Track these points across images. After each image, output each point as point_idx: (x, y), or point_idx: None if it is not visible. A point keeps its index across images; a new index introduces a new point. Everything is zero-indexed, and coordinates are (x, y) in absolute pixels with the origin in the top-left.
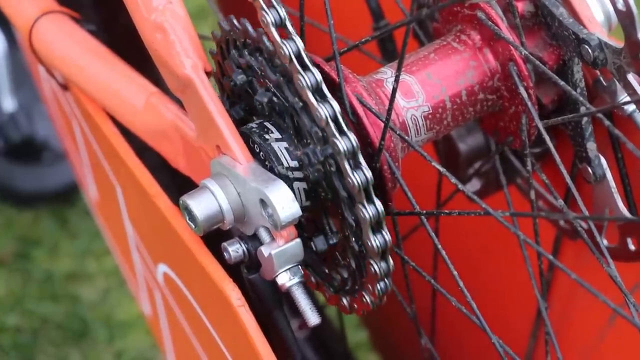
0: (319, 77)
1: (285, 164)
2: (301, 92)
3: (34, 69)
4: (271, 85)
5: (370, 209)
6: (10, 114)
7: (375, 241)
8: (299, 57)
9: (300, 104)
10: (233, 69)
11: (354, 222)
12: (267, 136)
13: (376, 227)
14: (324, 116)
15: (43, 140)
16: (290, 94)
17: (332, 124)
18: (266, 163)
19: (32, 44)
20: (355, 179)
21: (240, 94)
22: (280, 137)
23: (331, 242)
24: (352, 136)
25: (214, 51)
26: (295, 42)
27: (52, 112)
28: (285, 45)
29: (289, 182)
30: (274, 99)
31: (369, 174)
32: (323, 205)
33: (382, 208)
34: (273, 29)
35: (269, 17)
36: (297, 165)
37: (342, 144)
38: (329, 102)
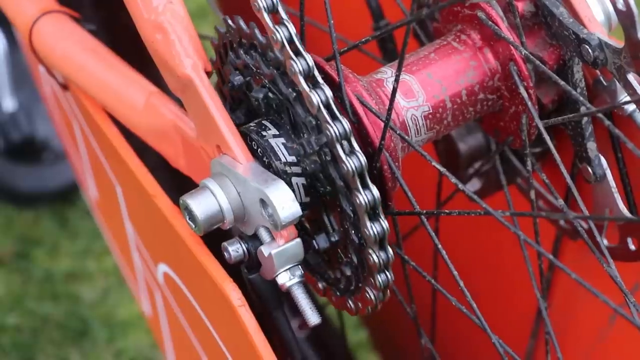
0: (311, 62)
1: (283, 159)
2: (293, 78)
3: (34, 69)
4: (266, 80)
5: (367, 195)
6: (11, 113)
7: (372, 229)
8: (291, 42)
9: (294, 94)
10: (231, 71)
11: (352, 212)
12: (264, 133)
13: (373, 215)
14: (315, 102)
15: (43, 140)
16: (284, 86)
17: (324, 110)
18: (264, 159)
19: (32, 44)
20: (350, 164)
21: (239, 96)
22: (277, 133)
23: (333, 239)
24: (345, 121)
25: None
26: (287, 27)
27: (52, 112)
28: (277, 31)
29: (287, 177)
30: (270, 94)
31: (363, 158)
32: (322, 200)
33: (378, 193)
34: (265, 14)
35: (262, 2)
36: (295, 160)
37: (334, 129)
38: (321, 87)
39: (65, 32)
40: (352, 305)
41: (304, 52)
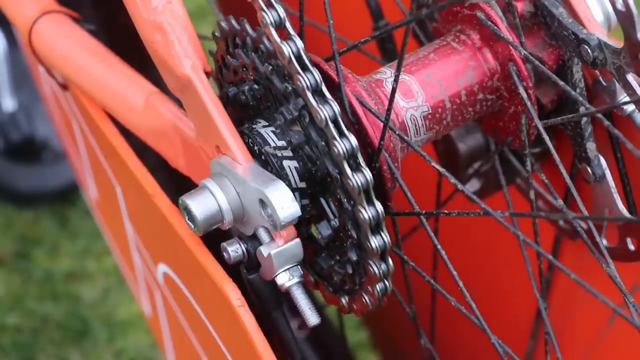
0: (282, 14)
1: (273, 144)
2: (265, 30)
3: (34, 69)
4: (250, 72)
5: (344, 142)
6: (11, 113)
7: (355, 179)
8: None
9: (270, 67)
10: (226, 88)
11: (338, 174)
12: (254, 126)
13: (355, 165)
14: (287, 52)
15: (43, 140)
16: (261, 64)
17: (295, 61)
18: (255, 148)
19: (31, 44)
20: (323, 112)
21: (239, 109)
22: (267, 124)
23: (334, 224)
24: (316, 72)
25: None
26: None
27: (52, 111)
28: None
29: (278, 160)
30: (255, 85)
31: (335, 106)
32: (317, 182)
33: (356, 141)
34: None
35: None
36: (284, 145)
37: (305, 79)
38: (292, 40)
39: (64, 32)
40: (366, 297)
41: (275, 4)
